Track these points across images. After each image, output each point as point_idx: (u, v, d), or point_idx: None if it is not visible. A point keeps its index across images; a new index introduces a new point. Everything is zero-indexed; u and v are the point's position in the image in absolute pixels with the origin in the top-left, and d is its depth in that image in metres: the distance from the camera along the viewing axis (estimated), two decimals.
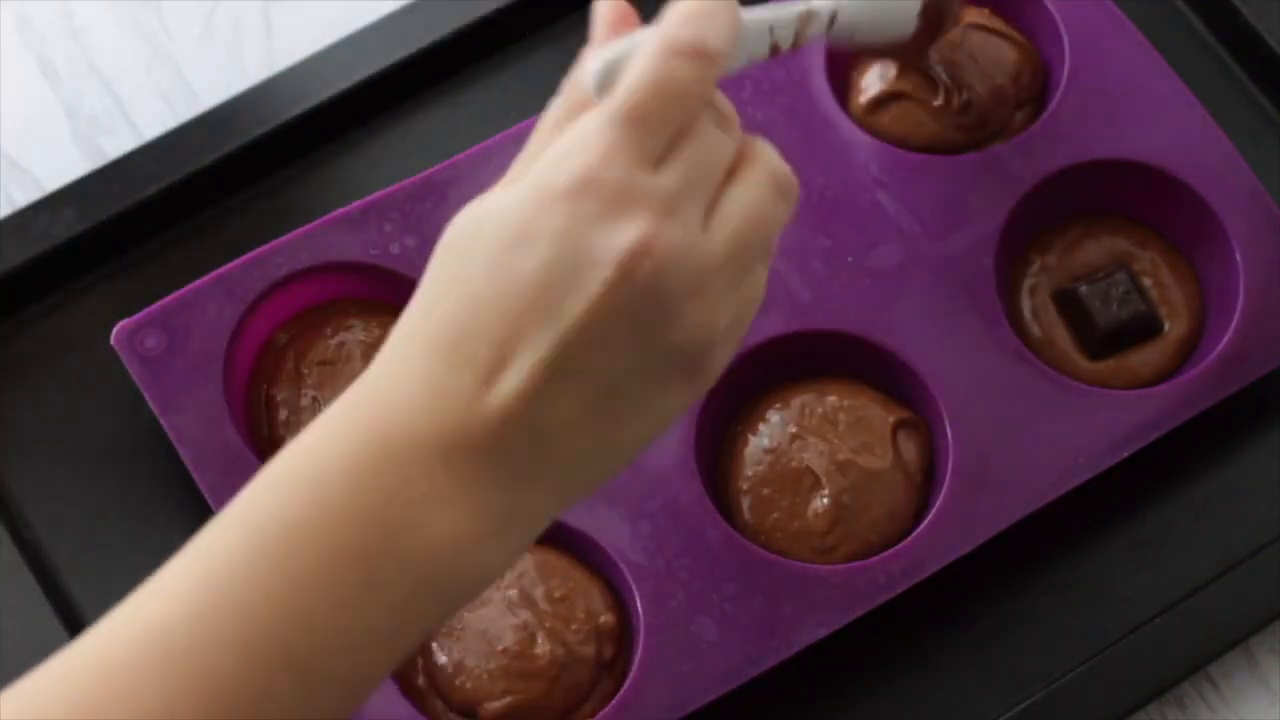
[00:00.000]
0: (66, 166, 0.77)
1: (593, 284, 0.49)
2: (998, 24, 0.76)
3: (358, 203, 0.72)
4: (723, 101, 0.53)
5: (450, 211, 0.71)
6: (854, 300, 0.71)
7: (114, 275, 0.75)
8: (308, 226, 0.71)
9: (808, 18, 0.61)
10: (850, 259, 0.72)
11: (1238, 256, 0.72)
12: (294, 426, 0.69)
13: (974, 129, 0.74)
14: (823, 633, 0.66)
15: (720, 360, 0.52)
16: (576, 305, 0.49)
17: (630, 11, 0.54)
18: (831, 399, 0.70)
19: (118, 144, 0.78)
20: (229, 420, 0.68)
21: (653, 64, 0.50)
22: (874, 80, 0.75)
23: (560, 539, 0.68)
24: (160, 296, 0.70)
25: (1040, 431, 0.69)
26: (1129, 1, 0.76)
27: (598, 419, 0.50)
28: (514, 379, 0.49)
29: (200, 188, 0.75)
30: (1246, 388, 0.71)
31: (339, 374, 0.70)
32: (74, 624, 0.69)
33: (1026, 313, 0.73)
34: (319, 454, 0.50)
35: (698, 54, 0.50)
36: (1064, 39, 0.75)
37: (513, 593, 0.67)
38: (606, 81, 0.51)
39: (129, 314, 0.70)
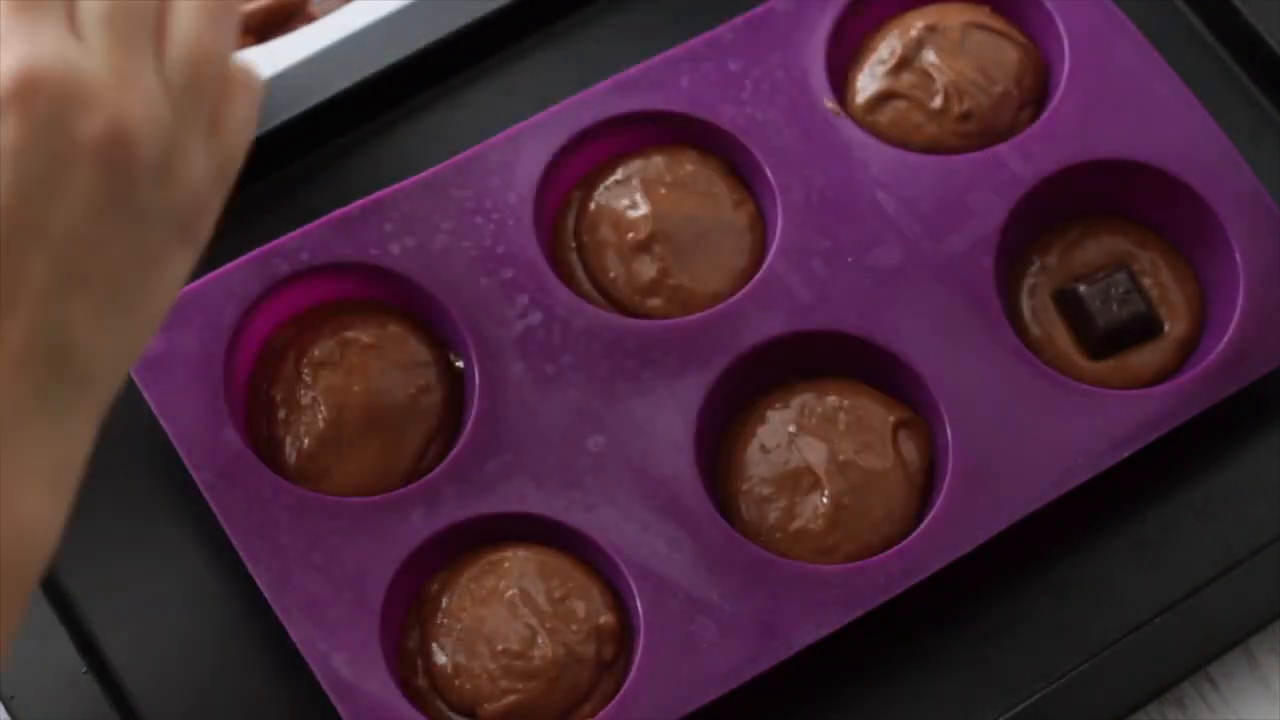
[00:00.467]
0: None
1: (71, 191, 0.47)
2: (998, 23, 0.76)
3: (358, 203, 0.72)
4: None
5: (450, 211, 0.72)
6: (854, 300, 0.71)
7: None
8: (308, 226, 0.71)
9: None
10: (850, 259, 0.72)
11: (1238, 256, 0.72)
12: (294, 426, 0.69)
13: (974, 136, 0.74)
14: (823, 633, 0.66)
15: (212, 210, 0.51)
16: (61, 218, 0.48)
17: None
18: (831, 399, 0.70)
19: None
20: (229, 420, 0.68)
21: None
22: (868, 80, 0.75)
23: (560, 539, 0.68)
24: None
25: (1040, 431, 0.69)
26: (1129, 1, 0.76)
27: (114, 316, 0.49)
28: (24, 321, 0.48)
29: None
30: (1246, 388, 0.71)
31: (339, 374, 0.70)
32: (74, 624, 0.69)
33: (1026, 313, 0.73)
34: None
35: None
36: (1064, 39, 0.75)
37: (513, 593, 0.67)
38: None
39: None
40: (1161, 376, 0.72)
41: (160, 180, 0.49)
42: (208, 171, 0.51)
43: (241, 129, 0.52)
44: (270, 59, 0.79)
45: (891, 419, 0.70)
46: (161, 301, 0.52)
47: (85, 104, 0.48)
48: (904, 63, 0.75)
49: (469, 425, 0.69)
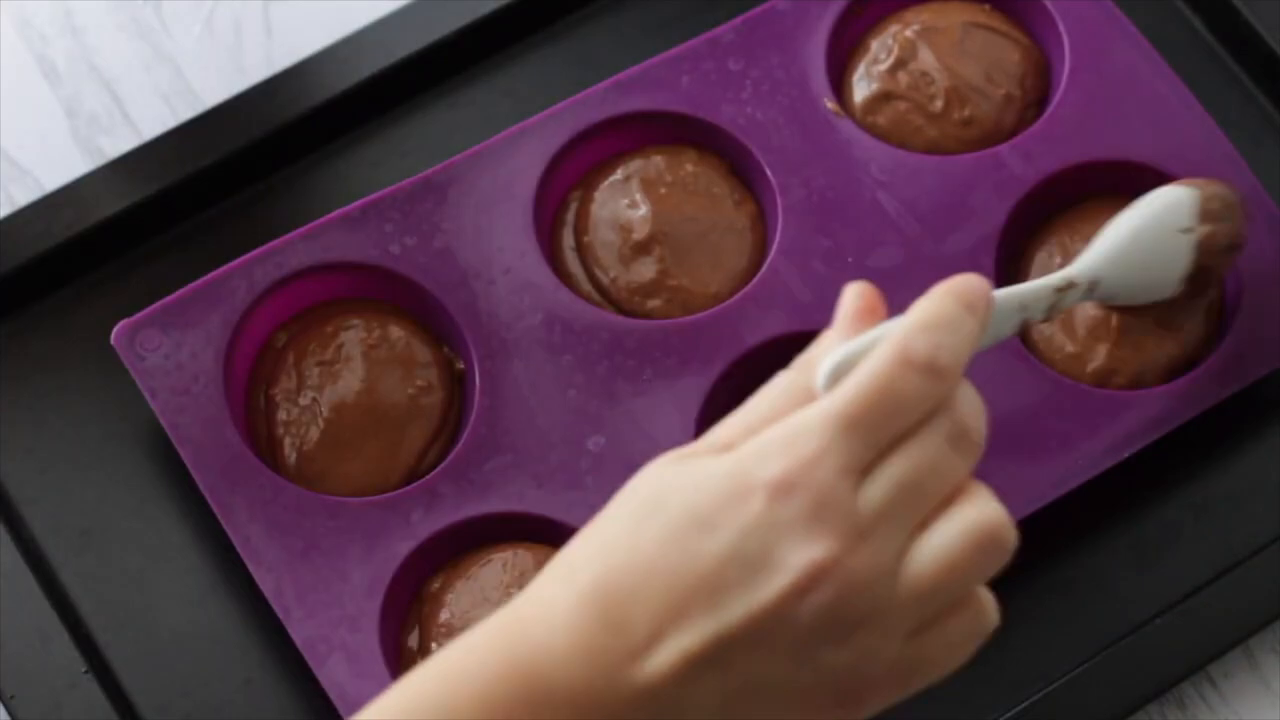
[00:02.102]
0: (66, 166, 0.77)
1: (766, 589, 0.48)
2: (998, 23, 0.76)
3: (358, 203, 0.72)
4: (970, 416, 0.51)
5: (450, 211, 0.72)
6: None
7: (114, 275, 0.75)
8: (308, 226, 0.71)
9: (1065, 290, 0.59)
10: (850, 259, 0.72)
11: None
12: (294, 426, 0.69)
13: (974, 142, 0.74)
14: None
15: (876, 702, 0.50)
16: (744, 605, 0.48)
17: (879, 305, 0.53)
18: None
19: (118, 144, 0.78)
20: (229, 420, 0.68)
21: (880, 370, 0.49)
22: (867, 80, 0.75)
23: (560, 539, 0.68)
24: (160, 296, 0.70)
25: (1040, 431, 0.69)
26: (1129, 1, 0.76)
27: (732, 717, 0.49)
28: (665, 656, 0.48)
29: (200, 188, 0.75)
30: (1246, 388, 0.71)
31: (339, 374, 0.70)
32: (74, 624, 0.69)
33: None
34: (454, 675, 0.50)
35: (929, 369, 0.49)
36: (1064, 39, 0.75)
37: (513, 592, 0.67)
38: (835, 378, 0.50)
39: (129, 314, 0.70)
40: (1171, 374, 0.71)
41: (841, 647, 0.48)
42: (889, 667, 0.50)
43: (947, 651, 0.51)
44: (270, 60, 0.79)
45: None
46: None
47: (822, 525, 0.48)
48: (902, 62, 0.75)
49: (469, 425, 0.69)
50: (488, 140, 0.73)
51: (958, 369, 0.50)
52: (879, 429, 0.49)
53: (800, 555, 0.48)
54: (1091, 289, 0.65)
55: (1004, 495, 0.68)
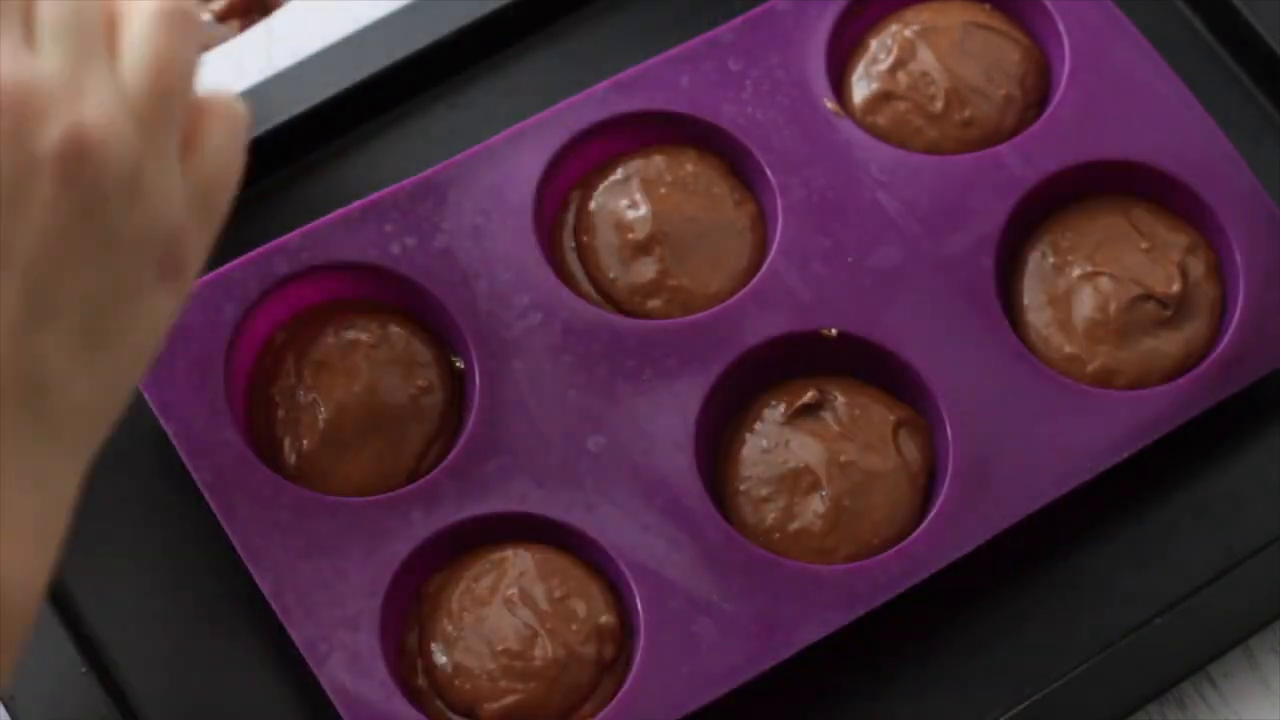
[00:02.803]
0: None
1: (36, 208, 0.45)
2: (998, 22, 0.76)
3: (358, 203, 0.72)
4: None
5: (450, 211, 0.72)
6: (854, 300, 0.71)
7: None
8: (308, 226, 0.71)
9: None
10: (850, 259, 0.72)
11: (1238, 256, 0.72)
12: (294, 426, 0.69)
13: (975, 144, 0.74)
14: (823, 633, 0.66)
15: (197, 245, 0.48)
16: (28, 238, 0.45)
17: None
18: (832, 399, 0.70)
19: None
20: (229, 420, 0.68)
21: None
22: (866, 80, 0.75)
23: (560, 539, 0.68)
24: None
25: (1040, 431, 0.69)
26: (1129, 1, 0.76)
27: (91, 351, 0.46)
28: None
29: None
30: (1246, 388, 0.71)
31: (339, 374, 0.70)
32: (74, 624, 0.69)
33: (1027, 313, 0.72)
34: None
35: None
36: (1064, 39, 0.75)
37: (513, 592, 0.67)
38: None
39: None
40: (1175, 373, 0.71)
41: (130, 202, 0.46)
42: (185, 200, 0.48)
43: (222, 157, 0.49)
44: (270, 60, 0.79)
45: (892, 418, 0.70)
46: (143, 339, 0.48)
47: (42, 116, 0.45)
48: (901, 62, 0.75)
49: (469, 425, 0.69)
50: (488, 140, 0.73)
51: None
52: None
53: (40, 150, 0.44)
54: None
55: (1004, 495, 0.69)
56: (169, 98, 0.47)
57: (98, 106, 0.45)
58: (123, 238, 0.46)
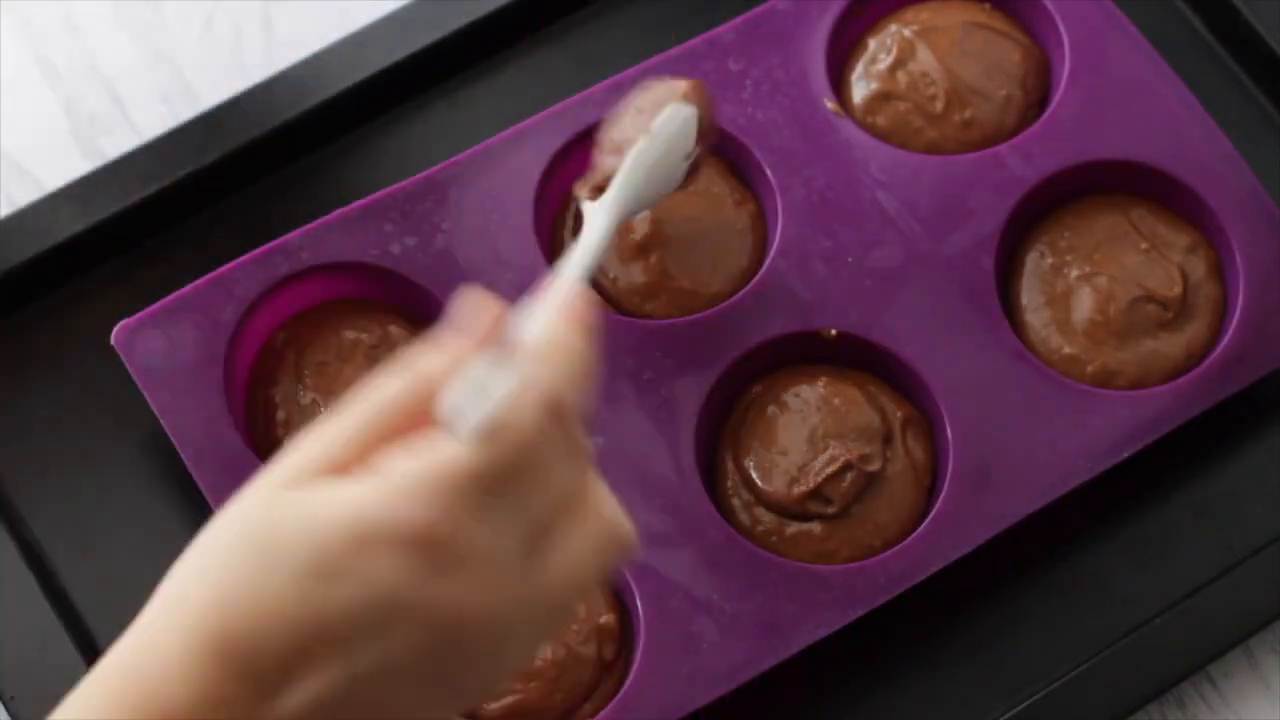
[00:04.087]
0: (66, 166, 0.77)
1: (396, 638, 0.46)
2: (999, 22, 0.76)
3: (358, 203, 0.72)
4: (579, 428, 0.48)
5: (450, 211, 0.72)
6: (854, 300, 0.71)
7: (114, 275, 0.75)
8: (308, 226, 0.71)
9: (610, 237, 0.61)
10: (850, 259, 0.72)
11: (1238, 256, 0.72)
12: (293, 426, 0.69)
13: (975, 145, 0.74)
14: (823, 633, 0.66)
15: (499, 687, 0.50)
16: (375, 653, 0.46)
17: (503, 318, 0.48)
18: (832, 399, 0.70)
19: (118, 144, 0.78)
20: (229, 420, 0.68)
21: (525, 428, 0.46)
22: (866, 80, 0.75)
23: None
24: (160, 296, 0.70)
25: (1040, 431, 0.69)
26: (1129, 1, 0.76)
27: None
28: (296, 700, 0.46)
29: (200, 187, 0.75)
30: (1246, 388, 0.71)
31: (339, 374, 0.70)
32: (74, 624, 0.69)
33: (1027, 313, 0.72)
34: None
35: (569, 417, 0.47)
36: (1064, 39, 0.75)
37: None
38: (463, 414, 0.46)
39: (129, 314, 0.70)
40: (1175, 374, 0.71)
41: (477, 666, 0.47)
42: (520, 662, 0.49)
43: (562, 626, 0.51)
44: (270, 60, 0.79)
45: (897, 417, 0.70)
46: None
47: (454, 572, 0.46)
48: (901, 63, 0.75)
49: None
50: (488, 140, 0.73)
51: (583, 405, 0.48)
52: (519, 487, 0.47)
53: (430, 609, 0.46)
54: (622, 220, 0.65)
55: (1004, 495, 0.69)
56: (563, 611, 0.48)
57: (495, 596, 0.46)
58: (452, 686, 0.48)
